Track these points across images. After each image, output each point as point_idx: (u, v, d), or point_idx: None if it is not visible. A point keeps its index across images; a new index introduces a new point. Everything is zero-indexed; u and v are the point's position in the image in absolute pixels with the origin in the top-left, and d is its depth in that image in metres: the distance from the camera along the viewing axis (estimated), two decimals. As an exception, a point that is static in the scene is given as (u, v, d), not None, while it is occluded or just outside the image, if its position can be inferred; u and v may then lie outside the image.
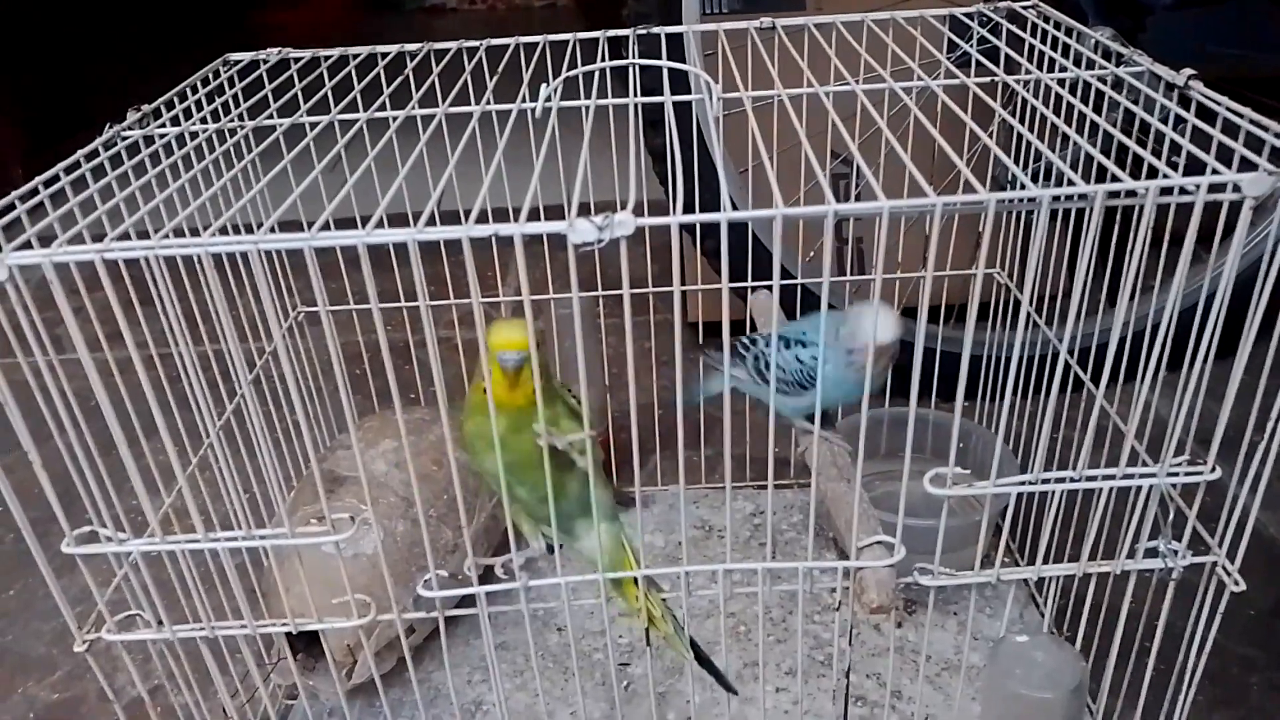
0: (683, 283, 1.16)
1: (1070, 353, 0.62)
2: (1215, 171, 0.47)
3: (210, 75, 0.75)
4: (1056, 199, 0.46)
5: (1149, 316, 1.00)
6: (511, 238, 0.44)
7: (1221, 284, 0.51)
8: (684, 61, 0.70)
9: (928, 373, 0.60)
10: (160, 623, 0.59)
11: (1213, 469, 0.55)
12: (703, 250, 1.11)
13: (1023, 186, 0.46)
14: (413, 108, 0.65)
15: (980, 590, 0.87)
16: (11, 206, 0.52)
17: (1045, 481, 0.55)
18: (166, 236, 0.46)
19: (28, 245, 0.47)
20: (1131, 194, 0.46)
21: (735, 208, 1.08)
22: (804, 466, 1.00)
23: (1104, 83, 0.64)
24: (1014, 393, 0.55)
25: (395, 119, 0.63)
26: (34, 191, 0.54)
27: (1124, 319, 0.55)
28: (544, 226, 0.44)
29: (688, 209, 0.45)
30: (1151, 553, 0.58)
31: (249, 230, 0.46)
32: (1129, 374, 0.59)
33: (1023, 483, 0.55)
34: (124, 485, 0.55)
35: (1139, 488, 0.57)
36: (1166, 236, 0.60)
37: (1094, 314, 0.95)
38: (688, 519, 0.96)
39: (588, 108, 0.59)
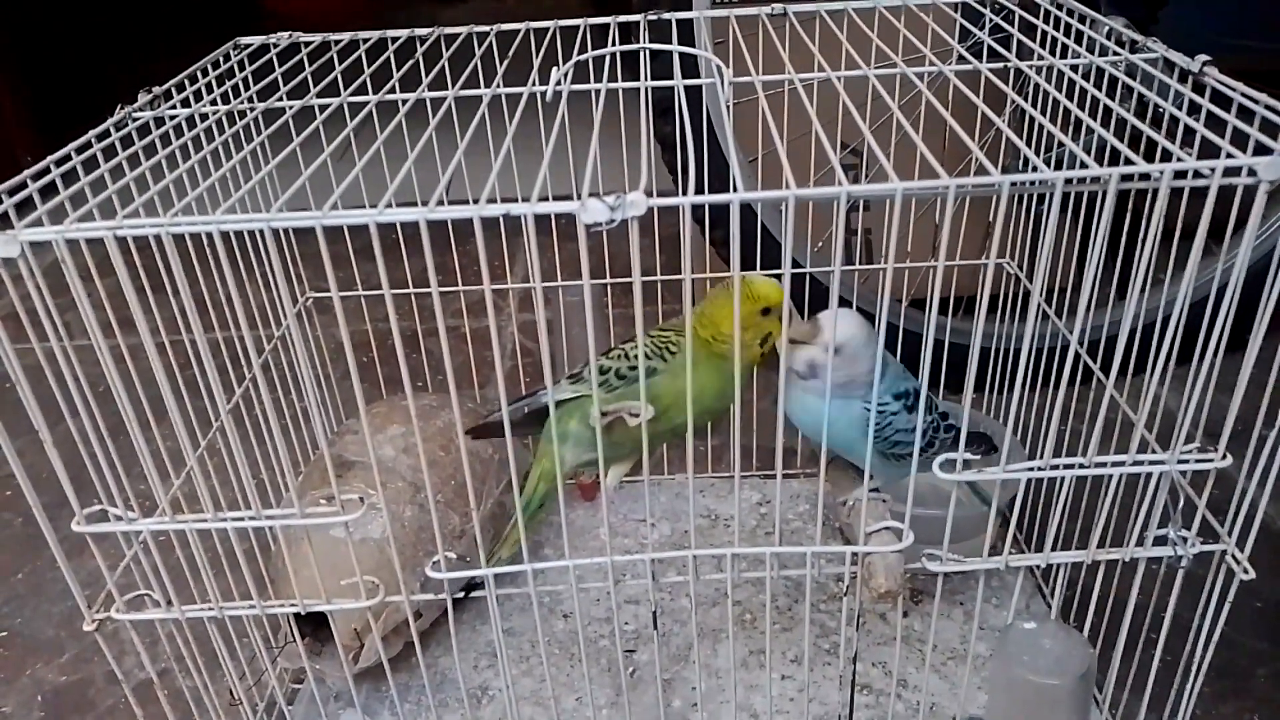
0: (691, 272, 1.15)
1: (1080, 344, 0.62)
2: (1230, 155, 0.47)
3: (221, 59, 0.75)
4: (1069, 181, 0.45)
5: (1159, 309, 1.00)
6: (521, 223, 0.44)
7: (1235, 271, 0.51)
8: (694, 48, 0.69)
9: (937, 364, 0.59)
10: (169, 602, 0.59)
11: (1224, 456, 0.55)
12: (712, 240, 1.11)
13: (1035, 169, 0.45)
14: (423, 91, 0.65)
15: (987, 580, 0.86)
16: (23, 185, 0.52)
17: (1055, 467, 0.55)
18: (178, 215, 0.46)
19: (39, 223, 0.47)
20: (1145, 177, 0.46)
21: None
22: (812, 458, 1.01)
23: (1118, 69, 0.64)
24: (1023, 384, 0.54)
25: (405, 102, 0.63)
26: (45, 170, 0.54)
27: (1134, 311, 0.54)
28: (555, 206, 0.44)
29: (698, 193, 0.45)
30: (1161, 540, 0.58)
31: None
32: (1138, 367, 0.59)
33: (1032, 468, 0.55)
34: (134, 470, 0.56)
35: (1149, 475, 0.57)
36: (1178, 231, 0.60)
37: (1104, 306, 0.94)
38: (694, 508, 0.96)
39: (598, 91, 0.59)
